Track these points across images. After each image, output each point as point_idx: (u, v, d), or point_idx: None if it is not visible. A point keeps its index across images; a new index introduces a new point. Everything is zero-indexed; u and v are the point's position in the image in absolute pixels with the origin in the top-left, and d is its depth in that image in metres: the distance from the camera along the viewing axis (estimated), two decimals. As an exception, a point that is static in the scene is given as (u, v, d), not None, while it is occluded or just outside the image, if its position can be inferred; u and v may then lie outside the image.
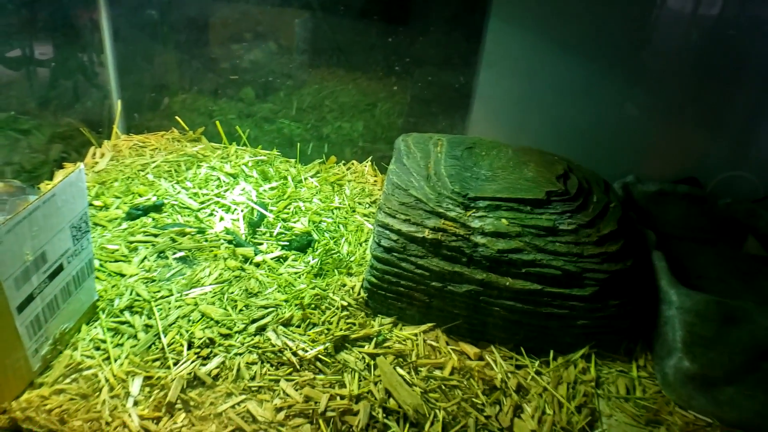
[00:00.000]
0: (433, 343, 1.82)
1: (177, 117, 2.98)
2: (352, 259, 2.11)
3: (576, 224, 1.80)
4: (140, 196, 2.40)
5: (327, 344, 1.70)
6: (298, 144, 2.89)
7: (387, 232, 1.84)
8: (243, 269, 2.01)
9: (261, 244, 2.18)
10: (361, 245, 2.22)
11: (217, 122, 2.88)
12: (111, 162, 2.66)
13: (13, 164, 2.41)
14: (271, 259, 2.09)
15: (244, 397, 1.55)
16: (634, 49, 2.50)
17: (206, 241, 2.14)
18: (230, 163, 2.69)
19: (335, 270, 2.04)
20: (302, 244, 2.17)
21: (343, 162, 2.94)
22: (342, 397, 1.57)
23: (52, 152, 2.53)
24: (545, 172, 1.99)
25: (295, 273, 2.03)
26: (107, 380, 1.54)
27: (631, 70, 2.53)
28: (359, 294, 1.91)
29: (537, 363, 1.81)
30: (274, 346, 1.70)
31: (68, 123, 2.64)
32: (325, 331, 1.77)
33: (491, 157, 2.11)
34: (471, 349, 1.82)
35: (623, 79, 2.55)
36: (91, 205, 2.19)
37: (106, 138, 2.85)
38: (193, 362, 1.62)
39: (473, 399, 1.66)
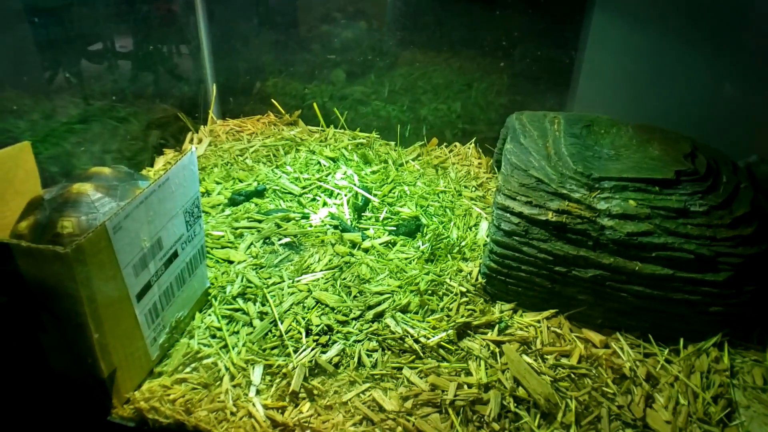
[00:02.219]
0: (557, 330, 1.71)
1: (273, 100, 2.93)
2: (463, 243, 2.01)
3: (707, 205, 1.67)
4: (240, 181, 2.36)
5: (449, 331, 1.61)
6: (398, 126, 2.80)
7: (507, 215, 1.73)
8: (352, 255, 1.93)
9: (367, 229, 2.11)
10: (470, 229, 2.12)
11: (315, 105, 2.82)
12: (209, 147, 2.64)
13: (112, 152, 2.41)
14: (380, 244, 2.01)
15: (368, 385, 1.47)
16: (751, 22, 2.30)
17: (311, 226, 2.08)
18: (329, 146, 2.63)
19: (448, 255, 1.95)
20: (410, 229, 2.08)
21: (444, 144, 2.83)
22: (470, 386, 1.48)
23: (150, 139, 2.53)
24: (670, 151, 1.86)
25: (405, 258, 1.95)
26: (228, 369, 1.49)
27: (746, 44, 2.33)
28: (477, 279, 1.80)
29: (666, 351, 1.68)
30: (393, 333, 1.62)
31: (164, 109, 2.63)
32: (445, 318, 1.68)
33: (611, 135, 1.97)
34: (596, 337, 1.70)
35: (738, 54, 2.35)
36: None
37: (201, 123, 2.84)
38: (312, 350, 1.55)
39: (603, 388, 1.55)
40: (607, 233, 1.65)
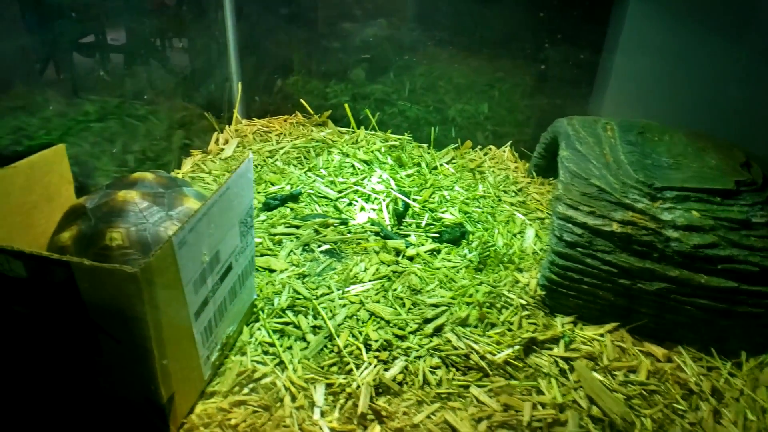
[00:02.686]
0: (621, 344, 1.63)
1: (302, 100, 2.83)
2: (510, 252, 1.92)
3: (768, 217, 1.58)
4: (272, 184, 2.26)
5: (516, 347, 1.52)
6: (432, 129, 2.71)
7: (570, 225, 1.65)
8: (398, 263, 1.84)
9: (408, 235, 2.02)
10: (515, 237, 2.03)
11: (346, 105, 2.72)
12: (237, 149, 2.54)
13: (133, 152, 2.30)
14: (425, 252, 1.92)
15: (437, 405, 1.38)
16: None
17: (350, 232, 1.98)
18: (362, 149, 2.53)
19: (500, 265, 1.86)
20: (455, 236, 2.00)
21: (479, 147, 2.74)
22: (543, 406, 1.40)
23: (174, 139, 2.41)
24: (727, 160, 1.81)
25: (453, 267, 1.86)
26: (287, 389, 1.39)
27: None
28: (536, 291, 1.72)
29: (728, 365, 1.62)
30: (456, 348, 1.52)
31: (186, 107, 2.52)
32: (507, 332, 1.59)
33: (665, 142, 1.91)
34: (658, 350, 1.63)
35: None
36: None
37: (226, 123, 2.73)
38: (374, 367, 1.45)
39: (674, 405, 1.48)
40: (673, 245, 1.58)
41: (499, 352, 1.52)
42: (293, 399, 1.38)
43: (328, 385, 1.43)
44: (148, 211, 1.41)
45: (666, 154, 1.83)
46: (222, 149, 2.51)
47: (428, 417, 1.37)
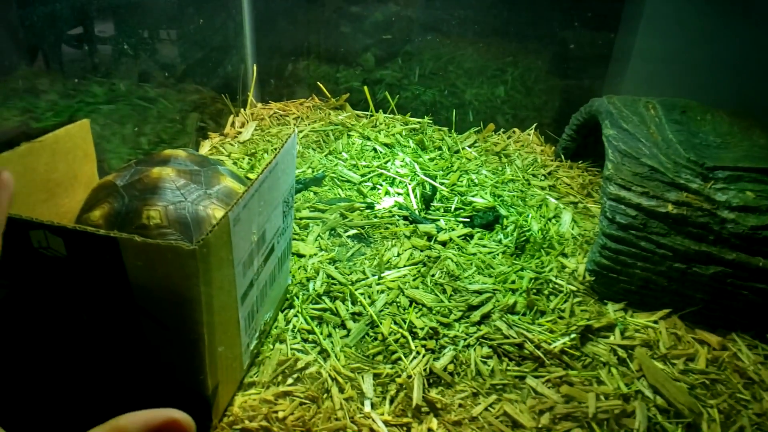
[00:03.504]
0: (676, 332, 1.55)
1: (319, 83, 2.72)
2: (548, 237, 1.84)
3: (825, 197, 1.53)
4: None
5: (573, 335, 1.43)
6: (454, 112, 2.62)
7: (622, 206, 1.57)
8: (431, 248, 1.75)
9: (437, 220, 1.93)
10: (550, 222, 1.95)
11: (365, 88, 2.62)
12: (255, 132, 2.43)
13: (146, 134, 2.18)
14: (457, 237, 1.83)
15: (494, 397, 1.30)
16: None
17: (377, 217, 1.89)
18: (382, 132, 2.43)
19: (540, 250, 1.77)
20: (488, 221, 1.91)
21: (502, 130, 2.65)
22: (607, 396, 1.31)
23: (189, 121, 2.30)
24: (776, 139, 1.71)
25: (489, 253, 1.77)
26: (334, 379, 1.29)
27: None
28: (584, 277, 1.63)
29: (786, 352, 1.52)
30: (508, 337, 1.44)
31: (199, 90, 2.40)
32: (558, 320, 1.51)
33: (709, 121, 1.83)
34: (712, 338, 1.56)
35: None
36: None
37: (241, 106, 2.61)
38: (423, 356, 1.36)
39: (737, 394, 1.41)
40: (729, 227, 1.51)
41: (554, 341, 1.44)
42: (341, 390, 1.29)
43: (376, 375, 1.34)
44: (186, 189, 1.31)
45: (713, 133, 1.76)
46: (239, 132, 2.40)
47: (486, 409, 1.29)
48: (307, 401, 1.25)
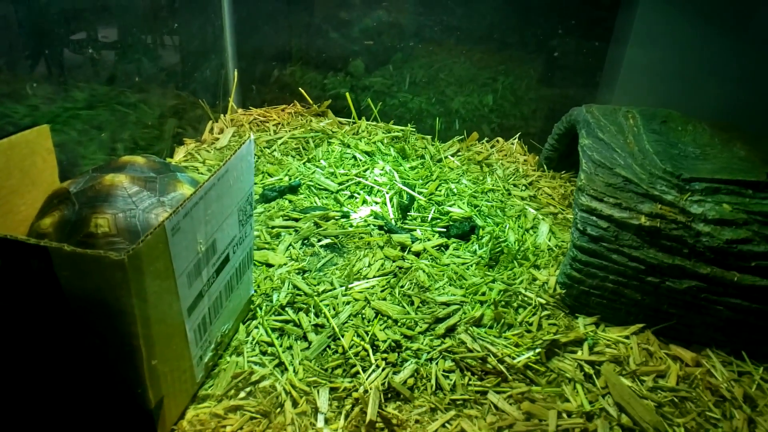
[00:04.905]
0: (648, 347, 1.51)
1: (301, 89, 2.70)
2: (524, 248, 1.80)
3: (802, 212, 1.49)
4: (270, 175, 2.13)
5: (537, 350, 1.39)
6: (437, 120, 2.59)
7: (594, 218, 1.53)
8: (403, 258, 1.71)
9: (414, 230, 1.89)
10: (528, 232, 1.91)
11: (347, 94, 2.59)
12: (233, 138, 2.40)
13: (123, 140, 2.16)
14: (432, 247, 1.79)
15: (452, 413, 1.26)
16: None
17: (352, 226, 1.86)
18: (363, 140, 2.40)
19: (513, 261, 1.73)
20: (463, 231, 1.87)
21: (486, 139, 2.62)
22: (570, 414, 1.27)
23: (166, 127, 2.28)
24: (756, 151, 1.70)
25: (463, 264, 1.73)
26: (288, 393, 1.26)
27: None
28: (555, 290, 1.59)
29: (761, 369, 1.51)
30: (471, 351, 1.40)
31: (179, 96, 2.38)
32: (525, 334, 1.47)
33: (690, 132, 1.79)
34: (686, 354, 1.52)
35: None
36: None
37: (221, 112, 2.59)
38: (383, 369, 1.33)
39: (707, 413, 1.37)
40: (704, 240, 1.47)
41: (518, 356, 1.40)
42: (294, 404, 1.26)
43: (333, 389, 1.30)
44: (138, 197, 1.28)
45: (692, 144, 1.72)
46: (217, 138, 2.37)
47: (443, 426, 1.25)
48: (258, 415, 1.22)
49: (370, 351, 1.38)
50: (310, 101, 2.70)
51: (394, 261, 1.71)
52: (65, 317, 0.97)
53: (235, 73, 2.64)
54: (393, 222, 1.92)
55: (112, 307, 0.94)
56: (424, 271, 1.68)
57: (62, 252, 0.90)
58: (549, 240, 1.87)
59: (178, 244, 1.03)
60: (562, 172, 2.32)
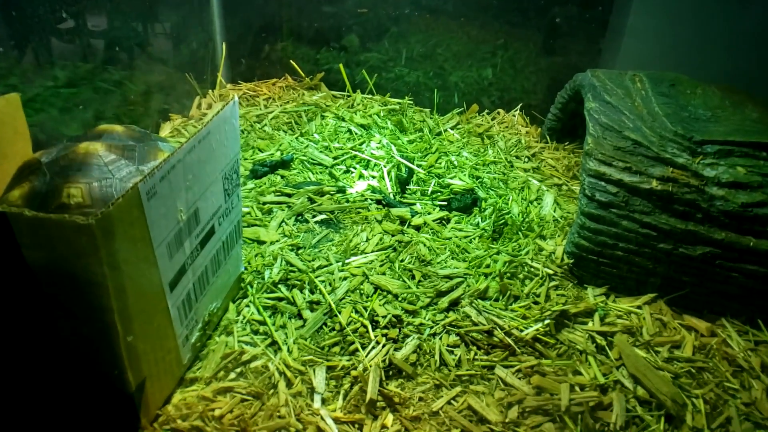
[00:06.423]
0: (661, 317, 1.42)
1: (292, 62, 2.59)
2: (528, 219, 1.71)
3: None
4: (261, 150, 2.04)
5: (546, 321, 1.30)
6: (435, 92, 2.49)
7: (602, 183, 1.44)
8: (403, 233, 1.62)
9: (413, 203, 1.80)
10: (532, 204, 1.82)
11: (341, 66, 2.49)
12: (221, 114, 2.29)
13: (107, 118, 2.07)
14: (433, 221, 1.70)
15: (458, 389, 1.17)
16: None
17: (348, 201, 1.76)
18: (359, 113, 2.30)
19: (518, 233, 1.64)
20: (465, 204, 1.78)
21: (486, 111, 2.52)
22: (583, 387, 1.18)
23: (152, 104, 2.18)
24: (769, 113, 1.58)
25: (465, 237, 1.64)
26: (282, 373, 1.17)
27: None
28: (562, 260, 1.50)
29: (778, 338, 1.40)
30: (477, 324, 1.31)
31: (165, 71, 2.28)
32: (532, 305, 1.38)
33: (699, 95, 1.71)
34: (700, 324, 1.44)
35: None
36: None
37: (209, 87, 2.49)
38: (383, 346, 1.24)
39: (725, 383, 1.29)
40: (718, 204, 1.39)
41: (526, 328, 1.31)
42: (289, 385, 1.17)
43: (330, 368, 1.22)
44: (115, 165, 1.18)
45: (702, 106, 1.63)
46: (205, 114, 2.28)
47: (449, 403, 1.17)
48: (249, 397, 1.13)
49: (370, 327, 1.29)
50: (302, 74, 2.59)
51: (393, 235, 1.62)
52: (32, 293, 0.88)
53: (224, 46, 2.53)
54: (391, 196, 1.83)
55: (81, 278, 0.85)
56: (425, 245, 1.59)
57: (22, 217, 0.81)
58: (554, 211, 1.78)
59: (155, 210, 0.94)
60: (566, 143, 2.23)
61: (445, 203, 1.82)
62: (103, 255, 0.83)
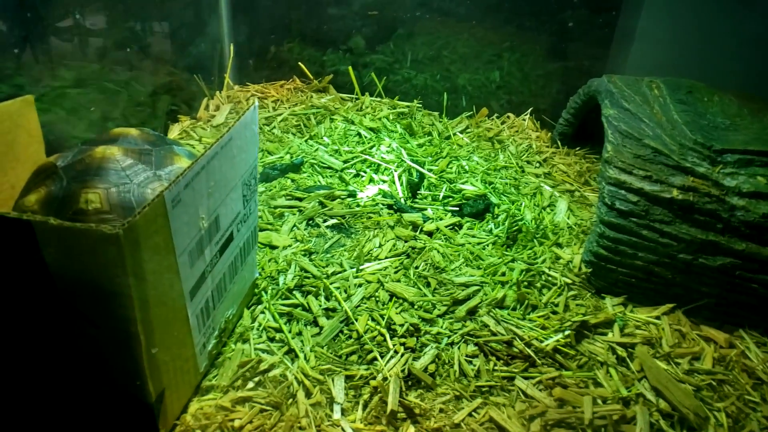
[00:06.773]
0: (679, 328, 1.40)
1: (300, 64, 2.57)
2: (542, 226, 1.70)
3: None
4: (270, 153, 2.02)
5: (566, 332, 1.29)
6: (445, 95, 2.47)
7: (623, 192, 1.43)
8: (416, 239, 1.60)
9: (425, 209, 1.78)
10: (545, 210, 1.81)
11: (350, 69, 2.47)
12: (230, 115, 2.28)
13: (114, 119, 2.04)
14: (445, 226, 1.69)
15: (478, 401, 1.16)
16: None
17: (359, 205, 1.74)
18: (368, 116, 2.28)
19: (533, 240, 1.62)
20: (477, 210, 1.77)
21: (496, 115, 2.50)
22: (605, 400, 1.17)
23: (160, 104, 2.16)
24: (788, 123, 1.58)
25: (479, 243, 1.63)
26: (300, 382, 1.15)
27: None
28: (580, 269, 1.49)
29: (797, 351, 1.39)
30: (495, 334, 1.29)
31: (172, 72, 2.26)
32: (551, 315, 1.36)
33: (716, 103, 1.69)
34: (719, 335, 1.43)
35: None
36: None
37: (217, 88, 2.46)
38: (402, 355, 1.22)
39: (745, 396, 1.27)
40: (739, 214, 1.37)
41: (546, 338, 1.30)
42: (308, 394, 1.15)
43: (348, 378, 1.20)
44: (132, 170, 1.16)
45: (721, 114, 1.62)
46: (213, 116, 2.25)
47: (470, 415, 1.15)
48: (268, 408, 1.11)
49: (387, 336, 1.27)
50: (311, 76, 2.57)
51: (406, 241, 1.61)
52: (54, 303, 0.86)
53: (231, 48, 2.51)
54: (402, 201, 1.81)
55: (105, 288, 0.83)
56: (438, 252, 1.57)
57: (48, 226, 0.79)
58: (568, 218, 1.77)
59: (179, 218, 0.92)
60: (577, 149, 2.22)
61: (457, 209, 1.80)
62: (129, 265, 0.81)
